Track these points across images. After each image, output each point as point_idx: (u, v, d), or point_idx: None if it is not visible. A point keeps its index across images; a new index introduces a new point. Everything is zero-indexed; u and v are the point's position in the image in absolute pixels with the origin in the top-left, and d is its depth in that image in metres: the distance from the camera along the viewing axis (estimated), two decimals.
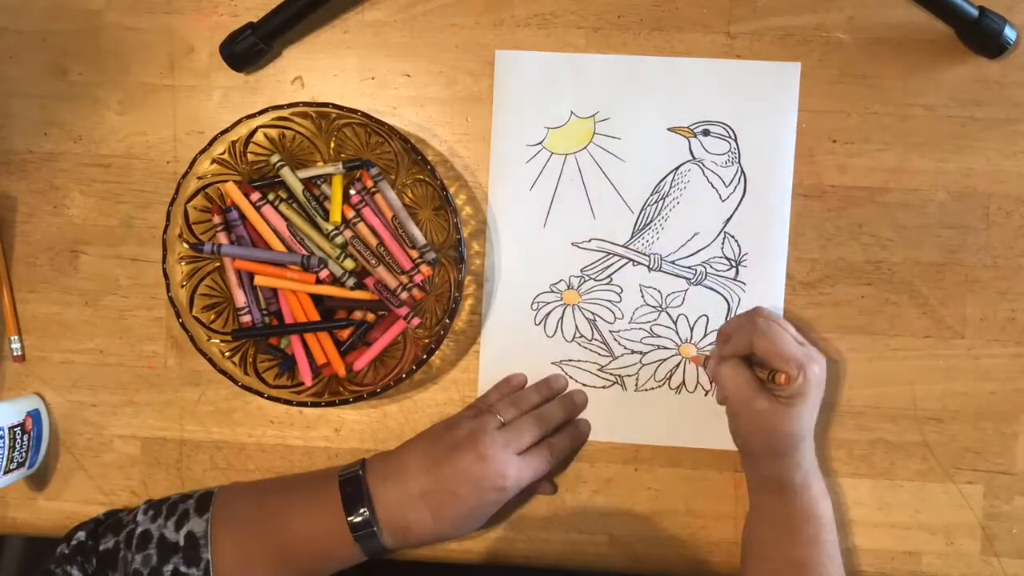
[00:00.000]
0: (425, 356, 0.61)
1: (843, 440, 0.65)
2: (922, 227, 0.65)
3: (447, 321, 0.61)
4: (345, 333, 0.65)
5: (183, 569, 0.58)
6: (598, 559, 0.66)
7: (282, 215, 0.65)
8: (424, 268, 0.64)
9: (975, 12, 0.62)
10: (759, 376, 0.58)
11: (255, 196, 0.64)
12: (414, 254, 0.65)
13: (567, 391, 0.66)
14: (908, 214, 0.65)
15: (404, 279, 0.65)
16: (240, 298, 0.64)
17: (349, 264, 0.64)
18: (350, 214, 0.65)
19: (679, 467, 0.66)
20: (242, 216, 0.65)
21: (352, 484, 0.59)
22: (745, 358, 0.60)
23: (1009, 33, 0.63)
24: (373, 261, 0.65)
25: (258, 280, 0.64)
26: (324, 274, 0.64)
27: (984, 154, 0.65)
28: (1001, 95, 0.65)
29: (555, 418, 0.64)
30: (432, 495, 0.58)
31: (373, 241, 0.65)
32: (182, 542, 0.59)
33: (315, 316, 0.64)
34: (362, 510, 0.58)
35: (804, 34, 0.66)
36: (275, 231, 0.64)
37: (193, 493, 0.63)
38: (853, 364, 0.65)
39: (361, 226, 0.65)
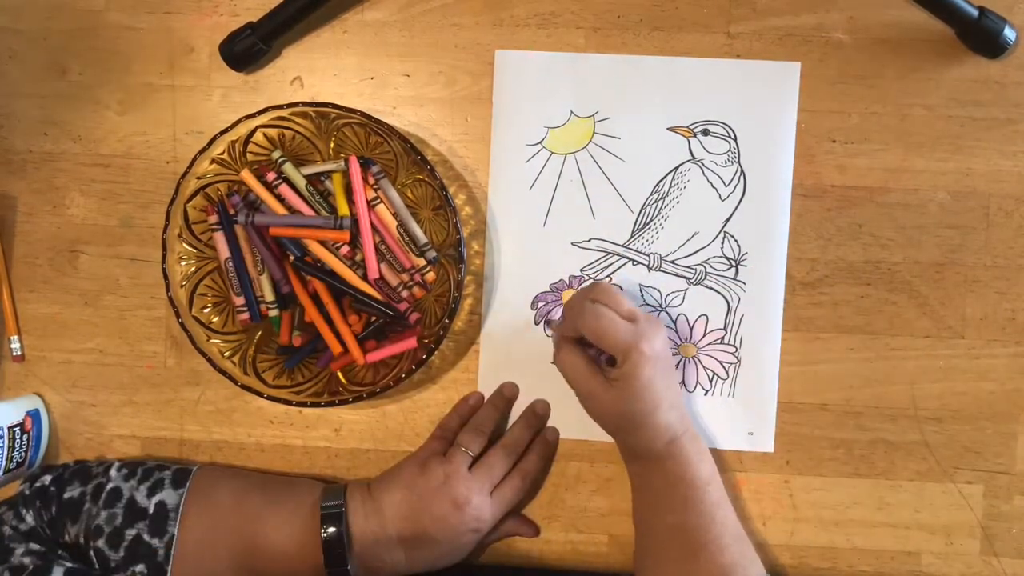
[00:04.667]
0: (425, 356, 0.61)
1: (843, 440, 0.65)
2: (922, 227, 0.65)
3: (447, 321, 0.61)
4: (359, 327, 0.65)
5: (146, 537, 0.58)
6: (598, 559, 0.66)
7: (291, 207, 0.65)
8: (429, 275, 0.64)
9: (975, 12, 0.62)
10: (593, 357, 0.59)
11: (271, 176, 0.64)
12: (418, 261, 0.65)
13: (530, 405, 0.66)
14: (908, 214, 0.65)
15: (405, 277, 0.65)
16: (240, 298, 0.65)
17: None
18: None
19: None
20: (248, 208, 0.64)
21: (333, 522, 0.59)
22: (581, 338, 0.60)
23: (1009, 33, 0.63)
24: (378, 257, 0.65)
25: (297, 233, 0.63)
26: (344, 250, 0.64)
27: (984, 154, 0.65)
28: (1001, 95, 0.65)
29: (522, 442, 0.64)
30: (409, 539, 0.59)
31: (376, 238, 0.65)
32: (151, 509, 0.58)
33: (332, 303, 0.65)
34: (340, 551, 0.58)
35: (804, 34, 0.66)
36: (291, 209, 0.65)
37: (169, 465, 0.62)
38: (853, 364, 0.65)
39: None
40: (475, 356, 0.67)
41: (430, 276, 0.65)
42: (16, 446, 0.65)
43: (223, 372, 0.62)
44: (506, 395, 0.66)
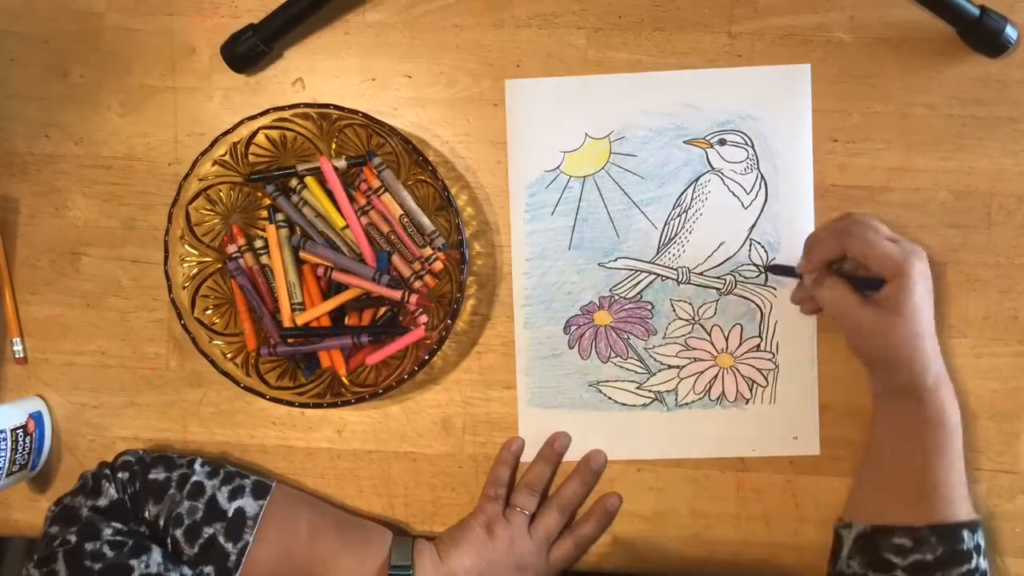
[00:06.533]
0: (427, 357, 0.61)
1: (845, 439, 0.65)
2: (924, 226, 0.65)
3: (449, 322, 0.61)
4: (366, 322, 0.65)
5: (221, 540, 0.58)
6: (599, 559, 0.66)
7: (298, 215, 0.65)
8: (436, 264, 0.64)
9: (976, 11, 0.62)
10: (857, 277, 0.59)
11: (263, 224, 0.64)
12: (426, 251, 0.65)
13: (585, 458, 0.66)
14: (909, 213, 0.65)
15: (417, 266, 0.64)
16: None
17: None
18: (362, 201, 0.65)
19: (681, 467, 0.66)
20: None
21: None
22: (839, 270, 0.60)
23: (1010, 32, 0.63)
24: (388, 248, 0.65)
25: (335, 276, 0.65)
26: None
27: (985, 153, 0.65)
28: (1002, 94, 0.65)
29: (577, 498, 0.65)
30: None
31: (385, 227, 0.65)
32: (230, 513, 0.59)
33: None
34: None
35: (805, 34, 0.66)
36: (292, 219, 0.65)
37: (247, 473, 0.63)
38: (855, 364, 0.65)
39: (373, 213, 0.65)
40: (477, 357, 0.67)
41: (438, 265, 0.64)
42: (19, 448, 0.65)
43: (225, 374, 0.62)
44: (556, 448, 0.66)
